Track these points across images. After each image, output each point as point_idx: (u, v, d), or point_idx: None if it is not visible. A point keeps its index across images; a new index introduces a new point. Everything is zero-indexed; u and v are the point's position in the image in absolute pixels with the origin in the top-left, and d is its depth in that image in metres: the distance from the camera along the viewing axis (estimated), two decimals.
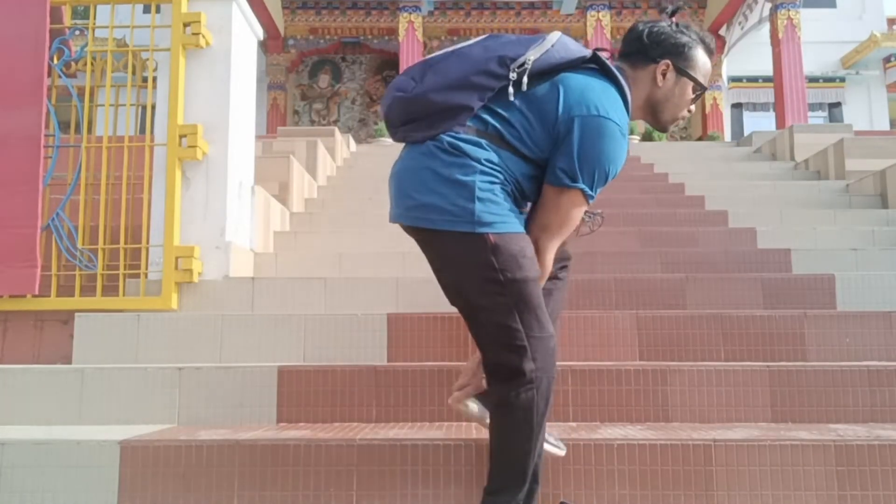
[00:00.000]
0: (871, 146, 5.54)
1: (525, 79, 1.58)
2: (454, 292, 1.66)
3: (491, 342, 1.60)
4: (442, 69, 1.59)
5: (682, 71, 1.69)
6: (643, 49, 1.70)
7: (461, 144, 1.57)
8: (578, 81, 1.60)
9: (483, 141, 1.58)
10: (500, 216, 1.56)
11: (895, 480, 1.85)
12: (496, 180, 1.58)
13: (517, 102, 1.59)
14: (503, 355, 1.58)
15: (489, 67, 1.58)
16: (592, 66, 1.65)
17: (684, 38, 1.69)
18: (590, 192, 1.60)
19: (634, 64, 1.71)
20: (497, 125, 1.59)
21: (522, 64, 1.58)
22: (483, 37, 1.69)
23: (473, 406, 1.79)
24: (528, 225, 1.65)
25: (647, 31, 1.70)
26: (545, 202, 1.62)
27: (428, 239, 1.63)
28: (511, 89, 1.58)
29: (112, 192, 3.23)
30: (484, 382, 1.74)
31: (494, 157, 1.58)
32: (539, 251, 1.63)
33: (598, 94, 1.58)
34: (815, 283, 3.03)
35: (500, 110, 1.60)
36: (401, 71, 11.83)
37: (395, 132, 1.68)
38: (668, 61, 1.68)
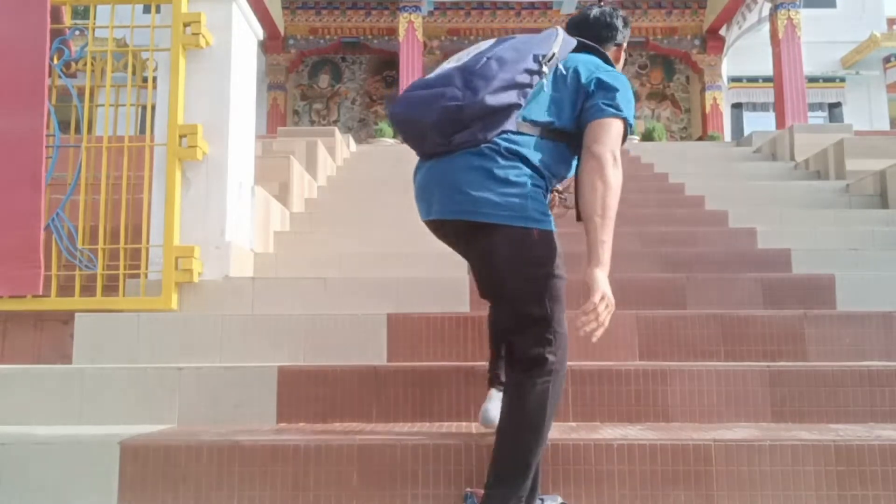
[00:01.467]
0: (871, 146, 5.54)
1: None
2: (495, 283, 1.76)
3: (522, 331, 1.71)
4: (487, 73, 1.68)
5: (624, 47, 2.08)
6: (611, 35, 2.00)
7: (515, 147, 1.72)
8: (587, 58, 1.85)
9: (530, 137, 1.75)
10: (545, 215, 1.76)
11: (895, 480, 1.85)
12: (541, 183, 1.76)
13: (546, 89, 1.77)
14: (531, 344, 1.69)
15: (529, 66, 1.72)
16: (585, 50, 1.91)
17: (626, 21, 2.07)
18: (631, 122, 1.81)
19: (604, 46, 1.97)
20: (535, 115, 1.76)
21: (551, 57, 1.77)
22: (498, 39, 1.83)
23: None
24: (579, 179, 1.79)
25: (609, 19, 2.01)
26: (600, 129, 1.75)
27: (476, 232, 1.71)
28: (543, 80, 1.76)
29: (112, 192, 3.23)
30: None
31: (539, 155, 1.75)
32: (600, 158, 1.72)
33: (604, 63, 1.87)
34: (815, 283, 3.03)
35: (532, 101, 1.76)
36: (403, 70, 11.97)
37: (445, 142, 1.71)
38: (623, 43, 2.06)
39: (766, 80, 12.82)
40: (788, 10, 11.51)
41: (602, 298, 1.74)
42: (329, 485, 1.89)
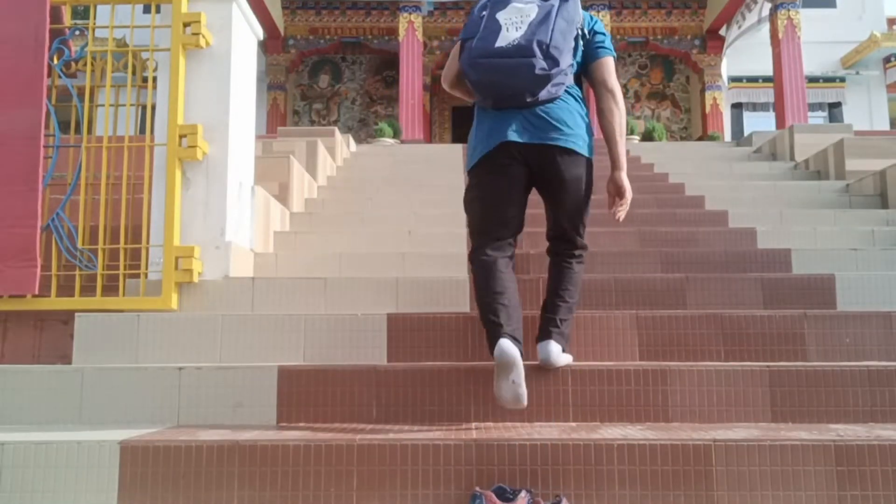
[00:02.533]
0: (871, 146, 5.54)
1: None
2: (573, 192, 2.31)
3: (579, 226, 2.39)
4: (560, 45, 2.20)
5: None
6: None
7: (576, 92, 2.35)
8: (575, 6, 2.31)
9: (579, 87, 2.41)
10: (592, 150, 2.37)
11: (895, 480, 1.85)
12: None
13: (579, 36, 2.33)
14: (581, 234, 2.40)
15: (577, 33, 2.29)
16: None
17: None
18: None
19: None
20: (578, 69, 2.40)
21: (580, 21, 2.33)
22: (544, 8, 2.24)
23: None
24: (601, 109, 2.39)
25: None
26: (602, 67, 2.39)
27: (564, 155, 2.26)
28: (581, 42, 2.36)
29: (112, 192, 3.23)
30: None
31: (579, 92, 2.40)
32: (613, 91, 2.37)
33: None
34: (815, 283, 3.03)
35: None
36: (403, 70, 11.97)
37: (534, 98, 2.23)
38: None
39: (766, 80, 12.83)
40: (788, 10, 11.51)
41: (628, 193, 2.40)
42: (329, 485, 1.89)
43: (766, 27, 12.08)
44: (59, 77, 3.11)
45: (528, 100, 2.22)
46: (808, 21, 12.08)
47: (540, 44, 2.17)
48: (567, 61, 2.22)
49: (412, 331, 2.64)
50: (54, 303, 2.94)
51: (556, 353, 2.28)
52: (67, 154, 3.24)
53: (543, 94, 2.22)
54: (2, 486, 1.90)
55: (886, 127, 13.68)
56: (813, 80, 13.28)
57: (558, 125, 2.24)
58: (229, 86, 3.12)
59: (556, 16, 2.21)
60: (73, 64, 3.29)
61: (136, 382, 2.32)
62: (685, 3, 13.70)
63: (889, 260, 3.42)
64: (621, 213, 2.41)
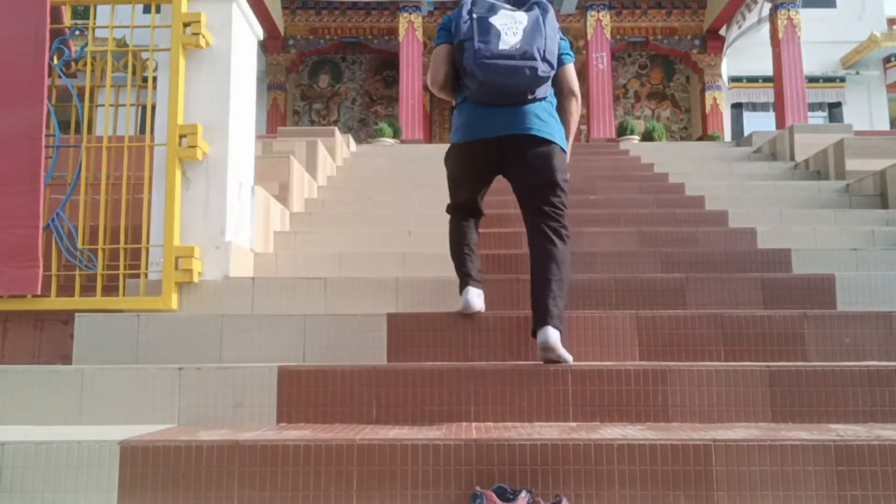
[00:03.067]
0: (871, 146, 5.54)
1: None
2: (549, 173, 2.50)
3: (562, 212, 2.54)
4: (553, 50, 2.49)
5: None
6: None
7: (552, 101, 2.63)
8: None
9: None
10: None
11: (895, 480, 1.85)
12: None
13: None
14: (565, 216, 2.54)
15: (558, 38, 2.59)
16: None
17: None
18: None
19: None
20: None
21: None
22: (533, 16, 2.50)
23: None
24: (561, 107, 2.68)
25: None
26: (569, 73, 2.71)
27: (541, 144, 2.51)
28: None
29: (112, 192, 3.23)
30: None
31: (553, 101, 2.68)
32: (577, 96, 2.72)
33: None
34: (815, 283, 3.03)
35: None
36: (403, 70, 11.96)
37: (532, 96, 2.49)
38: None
39: (766, 80, 12.82)
40: (788, 10, 11.51)
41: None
42: (329, 485, 1.89)
43: (766, 27, 12.07)
44: (59, 77, 3.11)
45: (529, 97, 2.48)
46: (808, 21, 12.07)
47: (539, 49, 2.43)
48: (555, 66, 2.54)
49: (412, 331, 2.64)
50: (54, 303, 2.94)
51: (558, 339, 2.36)
52: (67, 154, 3.24)
53: (540, 93, 2.50)
54: (2, 486, 1.90)
55: (886, 127, 13.67)
56: (813, 80, 13.27)
57: (536, 121, 2.51)
58: (229, 86, 3.13)
59: (545, 25, 2.49)
60: (73, 64, 3.29)
61: (136, 382, 2.32)
62: (685, 3, 13.70)
63: (889, 260, 3.42)
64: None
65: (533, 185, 2.52)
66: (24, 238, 2.87)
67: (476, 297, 2.63)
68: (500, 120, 2.49)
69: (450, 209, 2.77)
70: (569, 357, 2.35)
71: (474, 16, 2.49)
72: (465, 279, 2.66)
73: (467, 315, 2.66)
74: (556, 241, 2.46)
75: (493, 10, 2.51)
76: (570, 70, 2.72)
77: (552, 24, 2.52)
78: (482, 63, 2.41)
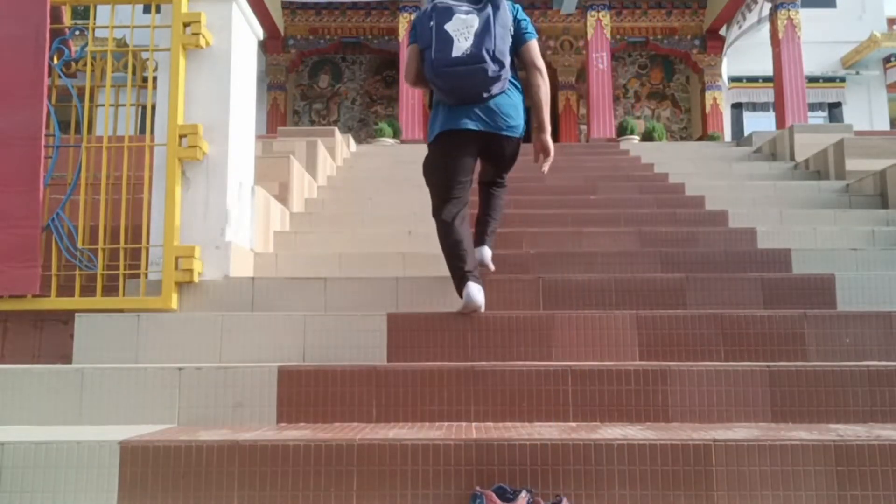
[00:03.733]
0: (871, 146, 5.54)
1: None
2: (508, 161, 2.99)
3: (503, 178, 3.14)
4: (502, 49, 2.71)
5: None
6: None
7: (519, 87, 2.90)
8: (510, 5, 2.87)
9: (516, 75, 2.90)
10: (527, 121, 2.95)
11: (895, 480, 1.85)
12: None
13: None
14: (502, 182, 3.16)
15: (510, 33, 2.79)
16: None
17: None
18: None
19: None
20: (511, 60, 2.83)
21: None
22: (483, 17, 2.69)
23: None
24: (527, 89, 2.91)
25: None
26: (532, 49, 2.90)
27: (509, 142, 2.87)
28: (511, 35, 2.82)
29: (112, 192, 3.23)
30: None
31: (520, 86, 2.93)
32: (540, 70, 2.88)
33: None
34: (815, 283, 3.03)
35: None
36: (403, 66, 11.92)
37: (488, 94, 2.74)
38: None
39: (766, 80, 12.82)
40: (788, 10, 11.51)
41: (552, 152, 2.93)
42: (329, 485, 1.89)
43: (766, 27, 12.07)
44: (59, 77, 3.11)
45: (485, 96, 2.74)
46: (808, 21, 12.07)
47: (488, 51, 2.66)
48: (508, 61, 2.74)
49: (412, 331, 2.64)
50: (54, 303, 2.94)
51: (490, 256, 3.14)
52: (67, 154, 3.24)
53: (495, 90, 2.75)
54: (2, 486, 1.90)
55: (886, 127, 13.67)
56: (813, 80, 13.27)
57: (505, 118, 2.81)
58: (229, 86, 3.12)
59: (495, 24, 2.69)
60: (73, 64, 3.29)
61: (136, 382, 2.32)
62: (685, 3, 13.70)
63: (889, 260, 3.42)
64: (546, 166, 2.95)
65: (498, 166, 3.06)
66: (24, 238, 2.87)
67: (477, 292, 2.69)
68: (474, 115, 2.77)
69: (435, 212, 2.87)
70: (491, 267, 3.14)
71: (432, 24, 2.71)
72: (464, 276, 2.73)
73: (467, 314, 2.68)
74: (501, 191, 3.18)
75: (449, 14, 2.71)
76: (533, 46, 2.90)
77: (502, 20, 2.73)
78: (439, 72, 2.69)
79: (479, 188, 3.15)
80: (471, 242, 2.84)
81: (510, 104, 2.82)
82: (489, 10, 2.71)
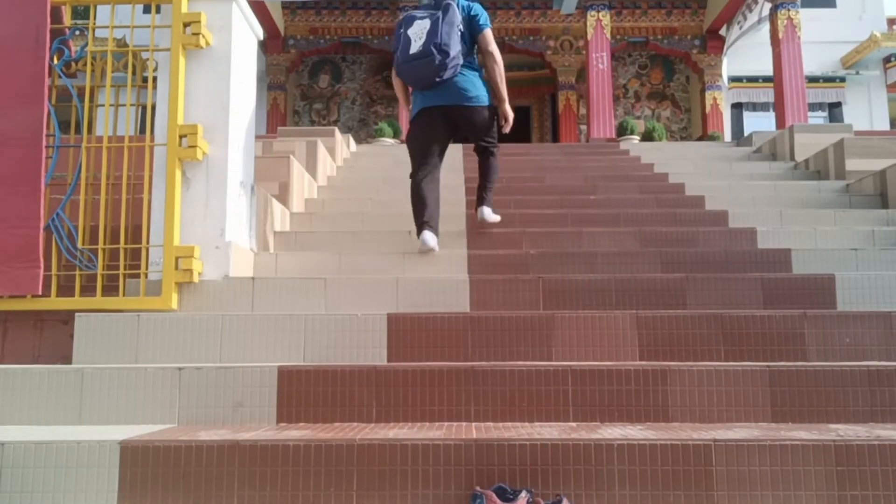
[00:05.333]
0: (871, 146, 5.54)
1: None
2: (481, 128, 3.65)
3: (488, 138, 3.72)
4: (448, 41, 3.40)
5: None
6: None
7: (468, 63, 3.56)
8: (464, 4, 3.61)
9: (472, 59, 3.63)
10: (490, 100, 3.67)
11: (895, 480, 1.85)
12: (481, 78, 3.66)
13: (460, 30, 3.50)
14: (492, 141, 3.73)
15: (458, 29, 3.46)
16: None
17: None
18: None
19: None
20: (466, 47, 3.56)
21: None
22: (432, 19, 3.44)
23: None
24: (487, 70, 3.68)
25: None
26: (488, 38, 3.60)
27: (471, 110, 3.55)
28: (464, 28, 3.54)
29: (112, 192, 3.23)
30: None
31: (473, 60, 3.63)
32: (493, 54, 3.60)
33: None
34: (815, 283, 3.03)
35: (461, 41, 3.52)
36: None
37: (440, 79, 3.44)
38: None
39: (766, 80, 12.81)
40: (788, 10, 11.50)
41: (510, 117, 3.71)
42: (329, 485, 1.89)
43: (766, 27, 12.06)
44: (59, 77, 3.11)
45: (437, 80, 3.44)
46: (808, 21, 12.06)
47: (435, 45, 3.38)
48: (455, 50, 3.41)
49: (412, 331, 2.64)
50: (54, 303, 2.94)
51: (489, 213, 3.79)
52: (67, 154, 3.24)
53: (447, 75, 3.43)
54: (2, 486, 1.91)
55: (886, 127, 13.66)
56: (813, 80, 13.26)
57: (463, 92, 3.51)
58: (229, 86, 3.12)
59: (442, 23, 3.40)
60: (73, 64, 3.28)
61: (136, 382, 2.32)
62: (685, 3, 13.69)
63: (889, 260, 3.42)
64: (506, 128, 3.71)
65: (473, 134, 3.71)
66: (25, 238, 2.87)
67: (430, 238, 3.41)
68: (438, 95, 3.51)
69: (411, 174, 3.67)
70: (496, 218, 3.82)
71: (401, 31, 3.51)
72: (422, 224, 3.47)
73: (424, 254, 3.40)
74: (491, 159, 3.78)
75: (411, 21, 3.49)
76: (486, 34, 3.59)
77: (449, 20, 3.43)
78: (400, 67, 3.55)
79: (478, 161, 3.82)
80: (434, 200, 3.52)
81: (466, 80, 3.52)
82: (439, 13, 3.43)
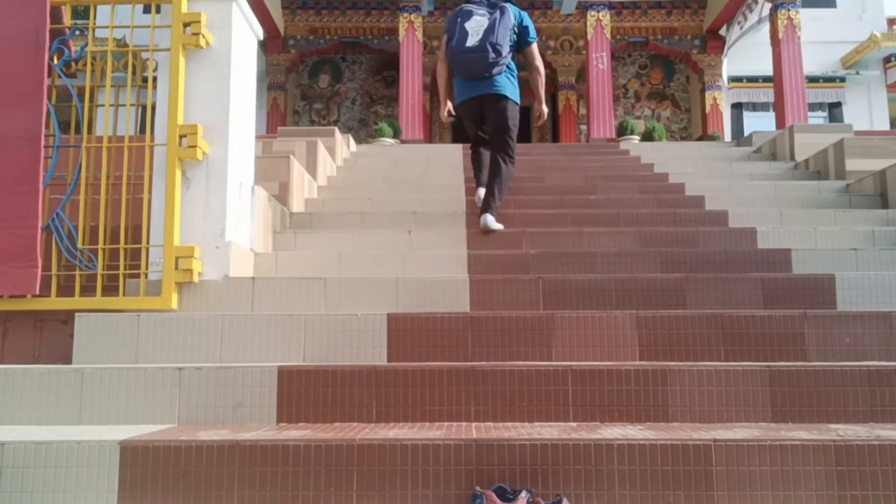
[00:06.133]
0: (871, 146, 5.54)
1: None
2: (503, 121, 4.02)
3: (510, 141, 4.07)
4: (502, 42, 3.90)
5: None
6: None
7: (513, 67, 4.07)
8: (511, 7, 4.03)
9: (513, 60, 4.08)
10: (519, 98, 4.14)
11: (895, 480, 1.85)
12: (518, 82, 4.11)
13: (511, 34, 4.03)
14: (511, 147, 4.07)
15: (512, 32, 3.98)
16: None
17: None
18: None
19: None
20: (512, 50, 4.05)
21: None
22: (490, 18, 3.92)
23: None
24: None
25: None
26: (535, 52, 4.15)
27: (498, 98, 3.99)
28: (514, 34, 4.05)
29: (112, 192, 3.23)
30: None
31: (516, 68, 4.11)
32: (538, 68, 4.15)
33: (518, 9, 4.09)
34: (815, 283, 3.03)
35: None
36: (403, 70, 11.97)
37: (489, 74, 3.93)
38: None
39: (766, 80, 12.82)
40: (788, 10, 11.50)
41: (545, 114, 4.44)
42: (329, 485, 1.89)
43: (766, 27, 12.07)
44: (59, 77, 3.11)
45: (486, 74, 3.93)
46: (808, 21, 12.06)
47: (491, 43, 3.87)
48: (506, 50, 3.93)
49: (412, 331, 2.64)
50: (54, 303, 2.94)
51: (492, 221, 3.88)
52: (67, 154, 3.24)
53: (495, 71, 3.94)
54: (2, 486, 1.91)
55: (886, 127, 13.66)
56: (813, 80, 13.27)
57: (497, 87, 3.98)
58: (229, 86, 3.12)
59: (498, 25, 3.89)
60: (73, 64, 3.28)
61: (136, 382, 2.32)
62: (685, 3, 13.69)
63: (889, 260, 3.42)
64: (539, 122, 4.53)
65: (493, 126, 4.08)
66: (24, 238, 2.87)
67: (482, 191, 4.12)
68: (476, 87, 4.00)
69: (471, 146, 4.39)
70: (498, 226, 3.88)
71: (458, 21, 3.96)
72: (479, 181, 4.27)
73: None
74: (502, 164, 4.03)
75: (469, 16, 3.96)
76: (533, 48, 4.13)
77: (505, 23, 3.91)
78: (454, 56, 4.00)
79: (490, 167, 4.07)
80: (483, 163, 4.22)
81: (505, 79, 4.00)
82: (497, 14, 3.91)
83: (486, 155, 4.18)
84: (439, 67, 4.29)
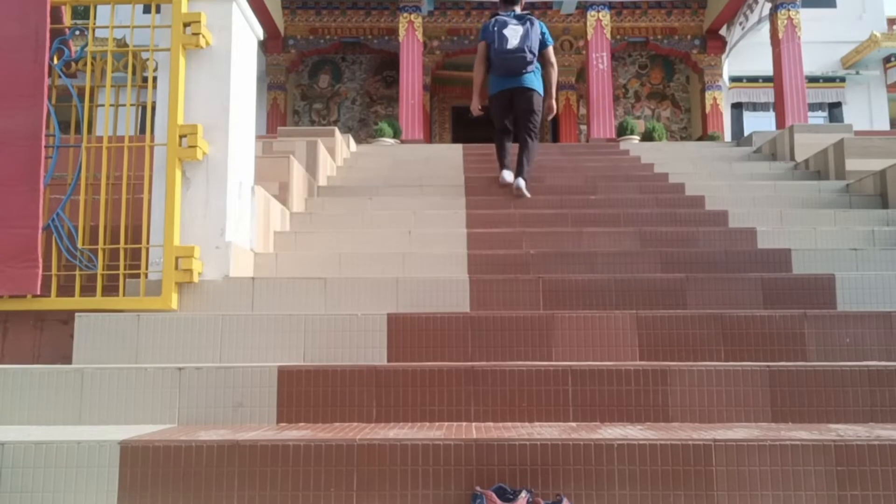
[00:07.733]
0: (871, 146, 5.53)
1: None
2: (533, 108, 5.04)
3: (536, 122, 5.11)
4: (533, 46, 4.92)
5: None
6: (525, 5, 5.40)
7: (537, 67, 5.10)
8: (534, 19, 5.05)
9: (538, 63, 5.10)
10: (543, 91, 5.16)
11: (895, 480, 1.85)
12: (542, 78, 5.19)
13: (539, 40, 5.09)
14: (537, 126, 5.12)
15: (540, 38, 5.04)
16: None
17: None
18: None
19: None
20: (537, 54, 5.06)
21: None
22: (525, 26, 4.96)
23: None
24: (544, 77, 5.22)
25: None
26: (551, 52, 5.13)
27: (525, 90, 4.99)
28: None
29: (112, 192, 3.23)
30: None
31: (540, 68, 5.16)
32: (553, 65, 5.18)
33: (538, 20, 5.14)
34: (815, 283, 3.03)
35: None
36: (403, 70, 11.99)
37: (525, 72, 4.95)
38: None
39: (766, 80, 12.80)
40: (788, 10, 11.49)
41: (555, 108, 5.33)
42: (329, 485, 1.89)
43: (766, 27, 12.06)
44: (59, 77, 3.11)
45: (522, 72, 4.91)
46: (808, 21, 12.05)
47: (527, 47, 4.87)
48: (536, 54, 4.92)
49: (412, 331, 2.64)
50: (54, 303, 2.94)
51: (524, 185, 4.82)
52: (67, 154, 3.24)
53: (529, 69, 4.93)
54: (2, 486, 1.91)
55: (886, 127, 13.65)
56: (813, 80, 13.25)
57: (525, 82, 4.96)
58: (229, 86, 3.12)
59: (531, 32, 4.90)
60: (73, 64, 3.28)
61: (136, 382, 2.32)
62: (685, 3, 13.68)
63: (889, 260, 3.42)
64: (549, 116, 5.27)
65: (521, 111, 5.03)
66: (24, 238, 2.87)
67: (507, 174, 5.05)
68: (514, 80, 4.96)
69: (495, 133, 5.22)
70: (528, 193, 4.80)
71: (495, 29, 4.89)
72: (502, 165, 5.15)
73: (505, 187, 5.03)
74: (529, 140, 5.01)
75: (506, 24, 4.91)
76: (550, 50, 5.08)
77: (535, 31, 4.93)
78: (498, 56, 4.90)
79: (519, 145, 5.02)
80: (510, 150, 5.14)
81: (532, 77, 4.99)
82: (528, 24, 4.90)
83: (508, 143, 5.13)
84: (477, 67, 5.09)
